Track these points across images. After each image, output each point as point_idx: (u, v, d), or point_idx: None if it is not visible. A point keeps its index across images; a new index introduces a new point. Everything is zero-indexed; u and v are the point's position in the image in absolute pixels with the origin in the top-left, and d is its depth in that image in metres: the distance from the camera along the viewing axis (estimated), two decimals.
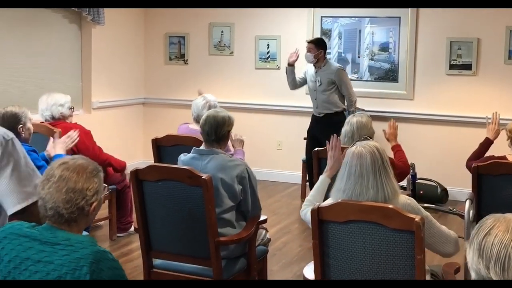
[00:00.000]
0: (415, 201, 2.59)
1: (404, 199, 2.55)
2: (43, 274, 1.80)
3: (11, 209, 2.10)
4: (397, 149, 4.16)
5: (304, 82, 5.96)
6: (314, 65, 5.75)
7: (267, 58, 6.91)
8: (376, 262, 2.40)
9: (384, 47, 6.47)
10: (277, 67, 6.86)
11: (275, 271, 4.23)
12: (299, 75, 5.96)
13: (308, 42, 5.74)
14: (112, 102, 6.78)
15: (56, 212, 1.85)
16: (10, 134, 2.15)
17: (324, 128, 5.61)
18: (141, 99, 7.36)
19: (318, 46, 5.69)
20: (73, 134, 3.80)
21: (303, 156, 6.15)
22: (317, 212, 2.47)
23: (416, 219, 2.30)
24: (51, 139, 3.84)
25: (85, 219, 1.92)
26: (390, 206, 2.38)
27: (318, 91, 5.74)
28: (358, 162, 2.49)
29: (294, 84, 5.96)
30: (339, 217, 2.44)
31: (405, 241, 2.34)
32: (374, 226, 2.38)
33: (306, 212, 2.84)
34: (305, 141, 6.01)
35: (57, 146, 3.70)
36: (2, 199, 2.11)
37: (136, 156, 7.08)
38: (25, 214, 2.12)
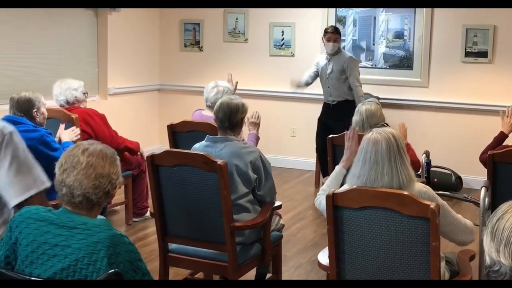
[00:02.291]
0: (431, 189, 2.59)
1: (420, 186, 2.56)
2: (61, 257, 1.83)
3: (12, 201, 2.15)
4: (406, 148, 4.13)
5: (318, 74, 5.91)
6: (328, 54, 5.73)
7: (282, 45, 6.91)
8: (391, 249, 2.40)
9: (399, 35, 6.44)
10: (292, 54, 6.85)
11: (290, 257, 4.27)
12: (309, 70, 5.95)
13: (333, 32, 5.67)
14: (128, 88, 6.83)
15: (85, 198, 1.89)
16: (9, 128, 2.19)
17: (336, 116, 5.65)
18: (157, 85, 7.41)
19: (339, 34, 5.74)
20: (76, 130, 3.98)
21: None
22: (332, 198, 2.49)
23: (431, 206, 2.30)
24: (61, 126, 3.96)
25: (104, 203, 1.98)
26: (405, 192, 2.39)
27: (330, 79, 5.74)
28: (374, 149, 2.49)
29: (308, 84, 6.01)
30: (354, 203, 2.45)
31: (420, 228, 2.34)
32: (389, 212, 2.38)
33: (321, 201, 2.85)
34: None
35: (62, 135, 3.86)
36: (2, 192, 2.15)
37: (152, 142, 7.13)
38: (25, 205, 2.14)
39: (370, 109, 3.98)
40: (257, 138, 4.00)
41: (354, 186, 2.51)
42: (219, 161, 3.02)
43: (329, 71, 5.71)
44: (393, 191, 2.43)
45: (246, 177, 3.22)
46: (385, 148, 2.49)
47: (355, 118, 4.05)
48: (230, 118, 3.32)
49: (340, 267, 2.55)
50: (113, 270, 1.80)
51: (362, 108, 4.03)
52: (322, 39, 5.77)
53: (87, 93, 4.67)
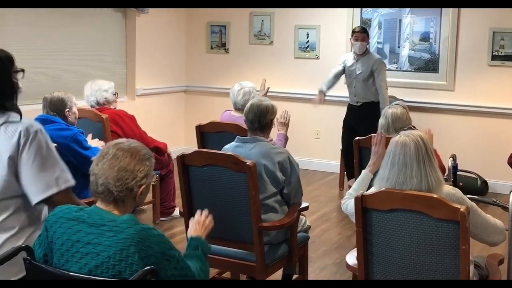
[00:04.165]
0: (459, 191, 2.59)
1: (449, 189, 2.55)
2: (94, 255, 1.88)
3: (33, 199, 2.18)
4: None
5: (342, 72, 5.93)
6: (356, 54, 5.74)
7: (307, 48, 6.93)
8: (420, 251, 2.41)
9: (425, 37, 6.43)
10: (316, 56, 6.88)
11: (315, 258, 4.29)
12: (333, 71, 5.95)
13: (360, 32, 5.69)
14: (155, 89, 6.92)
15: (107, 188, 1.94)
16: (35, 127, 2.20)
17: (361, 118, 5.68)
18: (183, 86, 7.49)
19: (367, 34, 5.76)
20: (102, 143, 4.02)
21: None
22: (360, 200, 2.50)
23: (461, 209, 2.29)
24: (89, 135, 4.04)
25: (133, 201, 1.99)
26: (435, 195, 2.38)
27: (357, 80, 5.74)
28: (402, 151, 2.50)
29: (330, 87, 6.00)
30: (382, 206, 2.46)
31: (450, 231, 2.34)
32: (418, 215, 2.39)
33: (347, 204, 2.87)
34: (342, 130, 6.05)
35: (92, 143, 3.93)
36: (25, 188, 2.18)
37: (178, 142, 7.21)
38: (49, 203, 2.20)
39: (396, 113, 3.98)
40: (286, 138, 4.04)
41: (383, 189, 2.52)
42: (248, 162, 3.05)
43: (358, 72, 5.72)
44: (422, 193, 2.43)
45: (274, 177, 3.25)
46: (413, 151, 2.49)
47: (381, 121, 4.05)
48: (260, 119, 3.37)
49: (368, 268, 2.57)
50: (148, 268, 1.84)
51: (388, 111, 4.03)
52: (350, 40, 5.80)
53: (117, 93, 4.75)
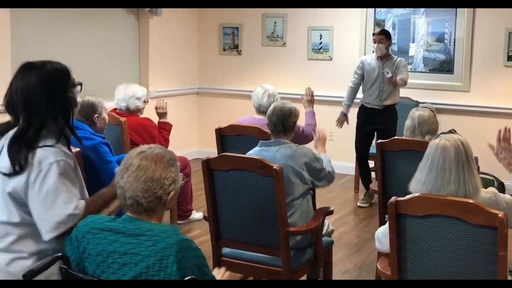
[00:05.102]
0: (493, 190, 2.55)
1: (483, 193, 2.52)
2: (132, 265, 1.84)
3: (44, 236, 2.12)
4: None
5: (361, 79, 5.79)
6: (380, 57, 5.66)
7: (320, 49, 6.90)
8: (456, 258, 2.37)
9: (440, 38, 6.39)
10: (330, 58, 6.84)
11: (336, 262, 4.23)
12: (350, 85, 5.85)
13: (378, 34, 5.62)
14: (168, 91, 6.88)
15: (135, 201, 1.89)
16: (50, 159, 2.11)
17: (386, 119, 5.63)
18: (196, 89, 7.46)
19: (388, 36, 5.65)
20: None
21: None
22: (394, 206, 2.46)
23: (500, 215, 2.26)
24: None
25: (163, 208, 1.96)
26: (471, 201, 2.34)
27: (385, 83, 5.65)
28: (442, 155, 2.46)
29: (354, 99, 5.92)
30: (417, 211, 2.42)
31: (487, 237, 2.30)
32: (454, 221, 2.35)
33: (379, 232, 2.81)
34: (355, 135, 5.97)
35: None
36: (36, 223, 2.13)
37: (190, 144, 7.17)
38: (60, 239, 2.12)
39: (423, 115, 3.94)
40: (314, 114, 4.25)
41: (418, 194, 2.48)
42: (275, 166, 3.03)
43: (388, 75, 5.61)
44: (458, 199, 2.38)
45: (301, 178, 3.28)
46: (453, 156, 2.45)
47: (407, 123, 4.01)
48: (283, 122, 3.38)
49: (402, 275, 2.53)
50: (189, 277, 1.80)
51: (415, 113, 3.98)
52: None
53: (147, 101, 4.72)
